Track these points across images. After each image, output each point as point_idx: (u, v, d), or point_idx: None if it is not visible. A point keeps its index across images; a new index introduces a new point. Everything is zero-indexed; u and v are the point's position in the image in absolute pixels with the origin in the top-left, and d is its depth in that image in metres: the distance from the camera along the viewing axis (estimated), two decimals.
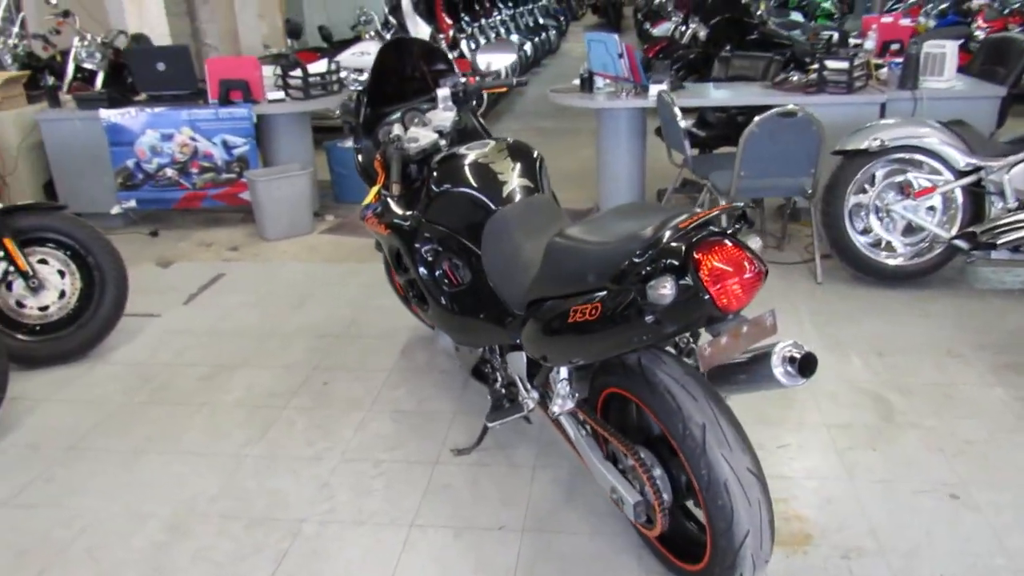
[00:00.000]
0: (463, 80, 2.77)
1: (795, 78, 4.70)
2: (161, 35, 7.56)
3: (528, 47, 12.26)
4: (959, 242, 3.60)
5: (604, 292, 1.71)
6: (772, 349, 1.78)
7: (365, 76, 2.96)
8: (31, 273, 3.29)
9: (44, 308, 3.37)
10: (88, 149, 5.05)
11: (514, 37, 11.99)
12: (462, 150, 2.48)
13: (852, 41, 5.96)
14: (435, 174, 2.43)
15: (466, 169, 2.38)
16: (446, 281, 2.47)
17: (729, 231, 1.60)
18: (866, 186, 3.79)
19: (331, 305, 3.90)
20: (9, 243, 3.24)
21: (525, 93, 10.93)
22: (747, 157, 3.77)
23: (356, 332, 3.59)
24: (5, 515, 2.42)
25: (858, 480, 2.43)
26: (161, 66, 5.01)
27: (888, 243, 3.82)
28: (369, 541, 2.25)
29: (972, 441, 2.60)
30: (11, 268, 3.26)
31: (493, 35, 10.87)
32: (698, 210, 1.61)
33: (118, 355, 3.47)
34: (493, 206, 2.30)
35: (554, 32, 15.40)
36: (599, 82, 4.98)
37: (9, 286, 3.31)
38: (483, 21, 10.80)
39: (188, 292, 4.15)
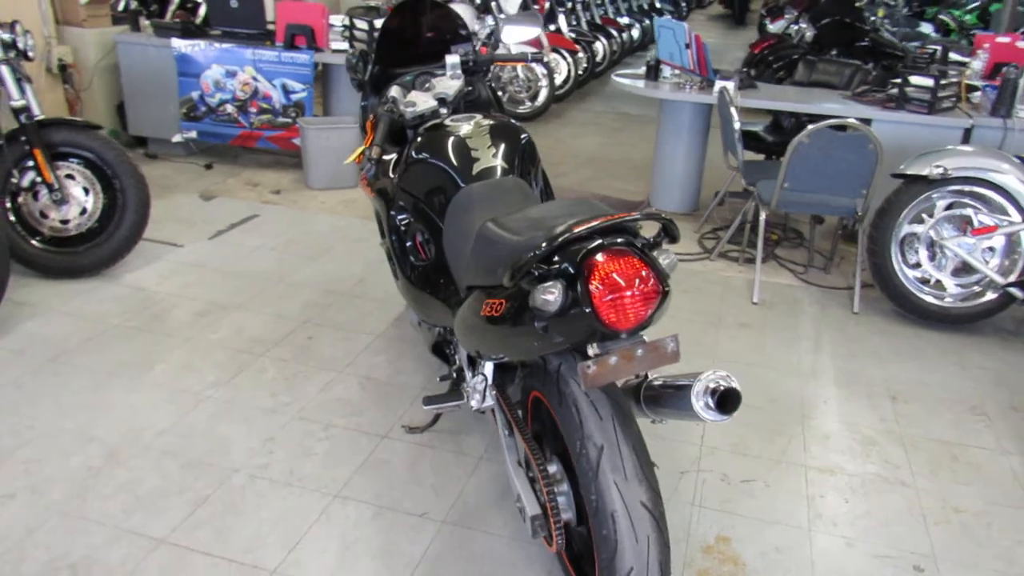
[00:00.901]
0: (475, 49, 2.65)
1: (891, 91, 4.32)
2: None
3: (636, 30, 11.90)
4: (1015, 290, 3.26)
5: (509, 289, 1.59)
6: (697, 378, 1.62)
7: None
8: (56, 186, 3.39)
9: (65, 222, 3.47)
10: (158, 76, 5.18)
11: (623, 19, 11.66)
12: (447, 121, 2.37)
13: (958, 58, 5.47)
14: (416, 141, 2.34)
15: (444, 140, 2.27)
16: (413, 253, 2.38)
17: (640, 243, 1.44)
18: (924, 215, 3.47)
19: (346, 261, 3.88)
20: (39, 154, 3.34)
21: None
22: (794, 169, 3.51)
23: (359, 292, 3.55)
24: None
25: (818, 533, 2.23)
26: (234, 3, 5.08)
27: (938, 281, 3.49)
28: (289, 504, 2.21)
29: (961, 511, 2.35)
30: (38, 178, 3.37)
31: (598, 13, 10.59)
32: (615, 212, 1.46)
33: (129, 278, 3.55)
34: (461, 183, 2.19)
35: (669, 16, 14.91)
36: (667, 71, 4.76)
37: (36, 195, 3.42)
38: None
39: (217, 228, 4.21)
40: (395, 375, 2.89)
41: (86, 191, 3.49)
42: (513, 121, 2.40)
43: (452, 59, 2.60)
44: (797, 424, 2.74)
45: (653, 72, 4.73)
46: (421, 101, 2.51)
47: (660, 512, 1.59)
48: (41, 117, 3.39)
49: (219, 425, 2.54)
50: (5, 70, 3.29)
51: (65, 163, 3.45)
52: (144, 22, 5.37)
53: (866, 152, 3.41)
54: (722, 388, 1.59)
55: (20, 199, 3.42)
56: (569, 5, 9.38)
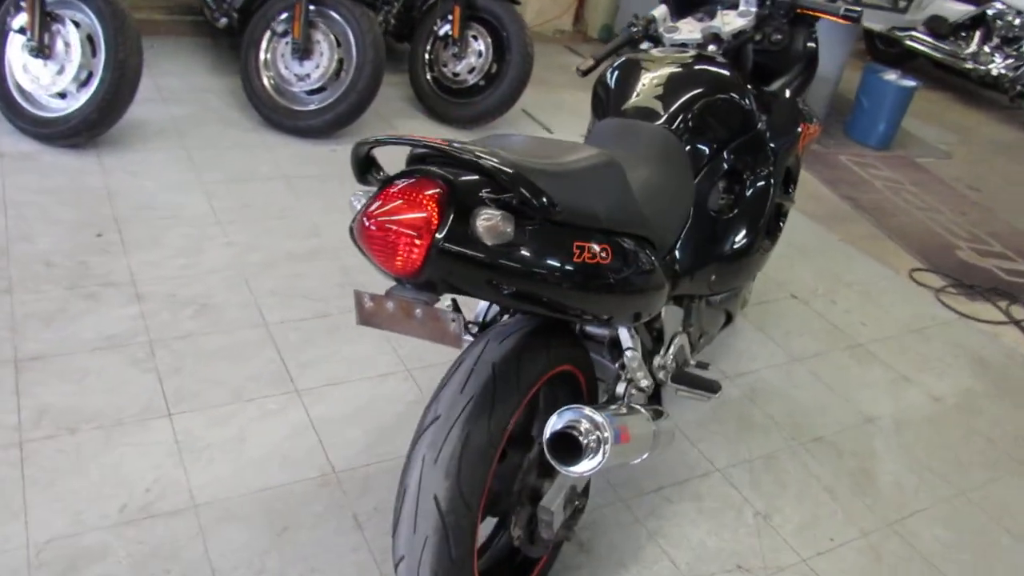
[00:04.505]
0: None
1: None
2: None
3: None
4: None
5: None
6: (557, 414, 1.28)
7: None
8: (460, 41, 3.85)
9: (456, 74, 3.96)
10: None
11: None
12: (654, 51, 2.04)
13: None
14: (614, 63, 2.08)
15: (628, 67, 1.98)
16: None
17: (470, 187, 1.13)
18: None
19: None
20: (457, 11, 3.82)
21: None
22: None
23: None
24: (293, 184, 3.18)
25: None
26: None
27: None
28: (376, 356, 2.36)
29: None
30: (450, 31, 3.87)
31: None
32: (490, 162, 1.13)
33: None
34: (607, 113, 1.91)
35: None
36: None
37: (445, 45, 3.95)
38: None
39: None
40: None
41: (480, 54, 3.90)
42: (731, 75, 1.96)
43: None
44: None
45: None
46: (686, 30, 2.22)
47: (456, 522, 1.32)
48: None
49: None
50: None
51: (475, 26, 3.88)
52: None
53: None
54: (558, 431, 1.22)
55: (435, 44, 4.00)
56: None
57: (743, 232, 1.96)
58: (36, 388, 2.01)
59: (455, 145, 1.14)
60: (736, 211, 1.96)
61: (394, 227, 1.11)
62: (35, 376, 2.05)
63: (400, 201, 1.12)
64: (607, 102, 1.93)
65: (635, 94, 1.90)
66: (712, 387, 1.85)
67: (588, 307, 1.36)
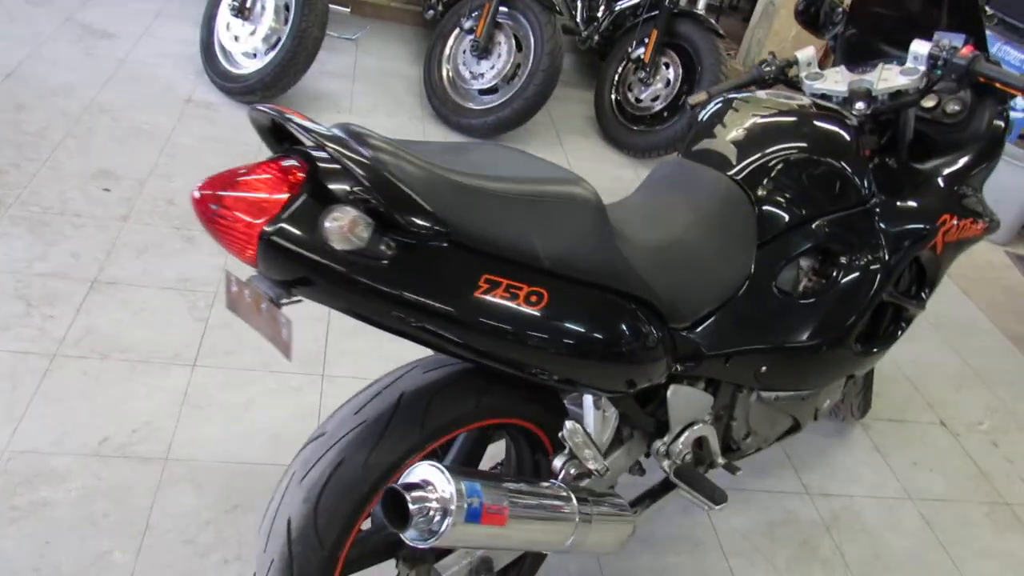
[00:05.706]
0: (956, 46, 1.74)
1: None
2: None
3: None
4: None
5: None
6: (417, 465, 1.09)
7: None
8: (649, 66, 3.64)
9: (639, 100, 3.74)
10: None
11: None
12: (760, 92, 1.72)
13: None
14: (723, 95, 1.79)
15: (720, 106, 1.68)
16: None
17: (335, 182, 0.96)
18: None
19: None
20: (655, 35, 3.60)
21: None
22: None
23: None
24: None
25: None
26: None
27: None
28: None
29: None
30: (641, 54, 3.66)
31: None
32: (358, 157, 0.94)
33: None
34: (679, 152, 1.64)
35: None
36: None
37: (635, 70, 3.75)
38: None
39: None
40: None
41: (668, 82, 3.65)
42: (845, 135, 1.60)
43: (917, 48, 1.78)
44: None
45: None
46: (832, 80, 1.88)
47: (304, 555, 1.17)
48: (678, 8, 3.60)
49: None
50: None
51: (669, 52, 3.65)
52: None
53: None
54: (392, 488, 1.02)
55: (626, 66, 3.81)
56: None
57: (819, 325, 1.59)
58: (96, 309, 2.14)
59: (336, 134, 0.98)
60: (816, 298, 1.60)
61: (227, 204, 0.97)
62: (101, 298, 2.18)
63: (264, 175, 0.97)
64: (687, 140, 1.67)
65: (714, 136, 1.61)
66: (714, 497, 1.52)
67: (507, 356, 1.14)
